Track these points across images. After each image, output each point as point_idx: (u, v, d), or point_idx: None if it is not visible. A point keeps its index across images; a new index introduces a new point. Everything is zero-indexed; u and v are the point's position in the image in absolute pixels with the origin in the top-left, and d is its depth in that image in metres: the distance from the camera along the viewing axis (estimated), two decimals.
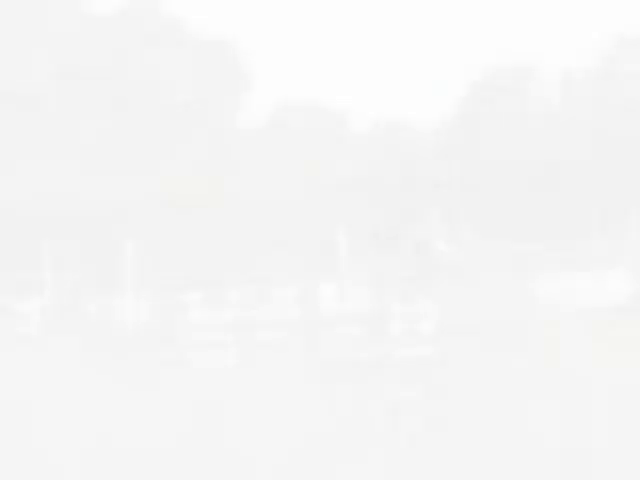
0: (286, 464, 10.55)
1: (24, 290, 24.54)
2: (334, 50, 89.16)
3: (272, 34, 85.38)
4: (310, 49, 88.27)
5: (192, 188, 34.91)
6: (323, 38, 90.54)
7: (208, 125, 43.66)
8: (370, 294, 27.10)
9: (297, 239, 32.10)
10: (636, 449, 18.21)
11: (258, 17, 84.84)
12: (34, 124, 39.98)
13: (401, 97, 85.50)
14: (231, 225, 33.04)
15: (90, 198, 33.29)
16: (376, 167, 38.75)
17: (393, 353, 24.63)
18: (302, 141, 49.00)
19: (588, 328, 21.32)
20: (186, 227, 31.67)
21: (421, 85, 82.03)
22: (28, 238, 27.74)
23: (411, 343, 24.50)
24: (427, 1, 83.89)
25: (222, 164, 40.22)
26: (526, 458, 17.57)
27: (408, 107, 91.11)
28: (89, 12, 42.86)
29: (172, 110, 42.83)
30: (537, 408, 19.35)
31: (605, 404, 19.60)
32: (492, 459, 14.77)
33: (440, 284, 26.64)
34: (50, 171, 35.16)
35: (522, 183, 37.84)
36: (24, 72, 42.24)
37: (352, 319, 25.72)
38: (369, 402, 20.05)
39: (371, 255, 29.38)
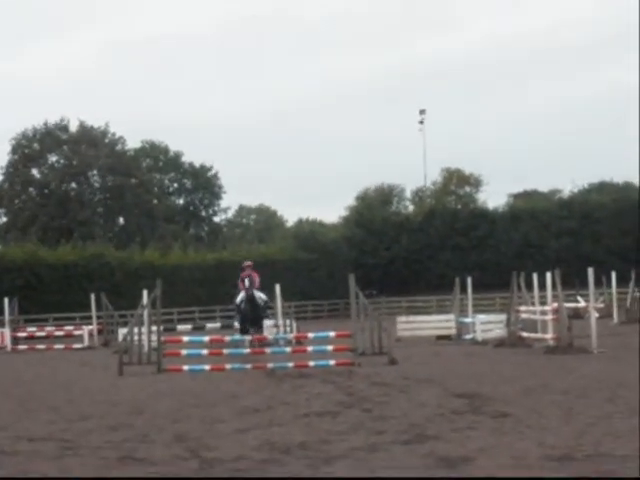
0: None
1: (79, 322, 34.39)
2: (275, 168, 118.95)
3: (236, 157, 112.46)
4: (255, 169, 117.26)
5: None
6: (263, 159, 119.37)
7: (198, 217, 66.49)
8: None
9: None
10: None
11: (227, 146, 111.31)
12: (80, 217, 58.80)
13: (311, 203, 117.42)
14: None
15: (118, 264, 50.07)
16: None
17: None
18: (254, 228, 73.70)
19: None
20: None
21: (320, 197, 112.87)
22: (80, 290, 40.26)
23: None
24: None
25: (205, 242, 61.51)
26: None
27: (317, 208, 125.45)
28: (122, 149, 65.05)
29: (176, 209, 65.48)
30: None
31: None
32: None
33: None
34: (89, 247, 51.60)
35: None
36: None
37: None
38: None
39: None
